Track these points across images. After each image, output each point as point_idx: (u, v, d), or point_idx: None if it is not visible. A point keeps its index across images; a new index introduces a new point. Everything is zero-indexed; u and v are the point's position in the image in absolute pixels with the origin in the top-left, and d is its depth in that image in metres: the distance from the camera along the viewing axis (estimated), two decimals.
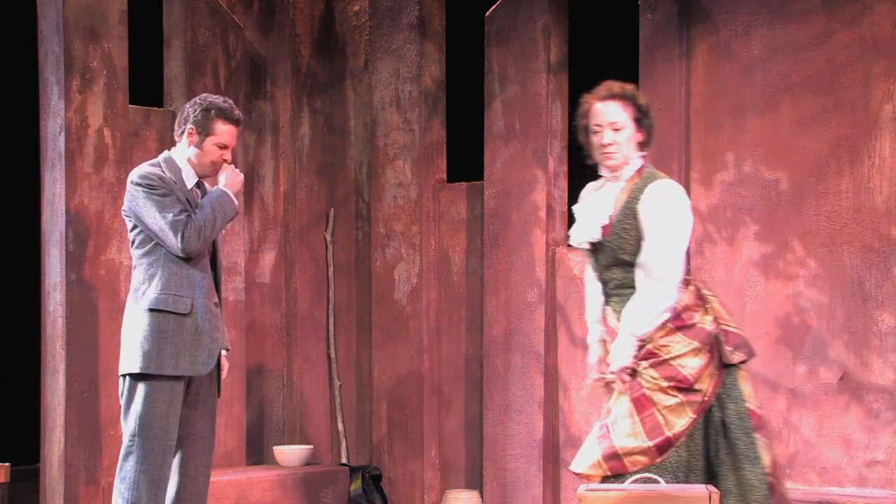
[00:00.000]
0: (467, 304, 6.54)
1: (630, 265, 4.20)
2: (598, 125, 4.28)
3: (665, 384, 4.07)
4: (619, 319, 4.21)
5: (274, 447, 6.56)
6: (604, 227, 4.24)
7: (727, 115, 5.69)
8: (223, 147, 4.84)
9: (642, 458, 4.05)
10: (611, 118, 4.26)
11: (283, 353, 6.78)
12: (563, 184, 6.26)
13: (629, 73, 6.01)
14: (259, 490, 6.15)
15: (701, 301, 4.22)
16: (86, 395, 5.69)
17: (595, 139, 4.29)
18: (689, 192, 5.79)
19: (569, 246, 6.20)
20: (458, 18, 6.74)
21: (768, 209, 5.59)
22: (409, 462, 6.59)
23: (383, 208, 6.72)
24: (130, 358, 4.71)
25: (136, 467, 4.69)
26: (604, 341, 4.34)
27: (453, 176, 6.72)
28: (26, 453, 6.01)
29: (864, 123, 5.35)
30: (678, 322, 4.13)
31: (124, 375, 4.75)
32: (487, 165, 6.38)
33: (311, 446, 6.59)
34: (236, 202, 4.86)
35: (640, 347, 4.12)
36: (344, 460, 6.79)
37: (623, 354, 4.14)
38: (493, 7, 6.37)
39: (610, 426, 4.11)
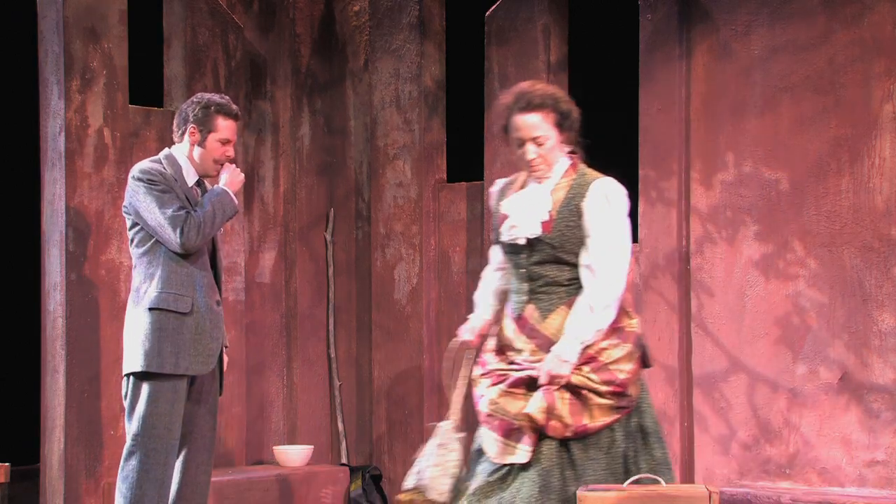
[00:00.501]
0: (467, 304, 6.53)
1: (566, 263, 4.11)
2: (519, 139, 4.14)
3: (603, 388, 4.03)
4: (544, 318, 4.12)
5: (274, 447, 6.56)
6: (544, 223, 4.11)
7: (727, 115, 5.69)
8: (226, 142, 4.85)
9: (559, 427, 4.01)
10: (533, 133, 4.12)
11: (283, 352, 6.78)
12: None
13: (629, 73, 6.01)
14: (259, 490, 6.15)
15: (623, 304, 4.15)
16: (86, 395, 5.70)
17: (519, 152, 4.16)
18: (689, 191, 5.79)
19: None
20: (458, 18, 6.74)
21: (768, 209, 5.59)
22: (409, 462, 6.56)
23: (383, 208, 6.72)
24: (132, 357, 4.72)
25: (138, 467, 4.69)
26: (499, 331, 4.26)
27: (453, 176, 6.72)
28: (26, 453, 6.00)
29: (864, 123, 5.35)
30: (612, 324, 4.09)
31: (127, 375, 4.76)
32: (487, 165, 6.38)
33: (311, 446, 6.59)
34: (236, 201, 4.87)
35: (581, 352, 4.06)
36: (344, 460, 6.79)
37: (566, 359, 4.03)
38: (493, 7, 6.37)
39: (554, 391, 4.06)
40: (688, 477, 5.70)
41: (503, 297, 4.37)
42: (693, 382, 5.71)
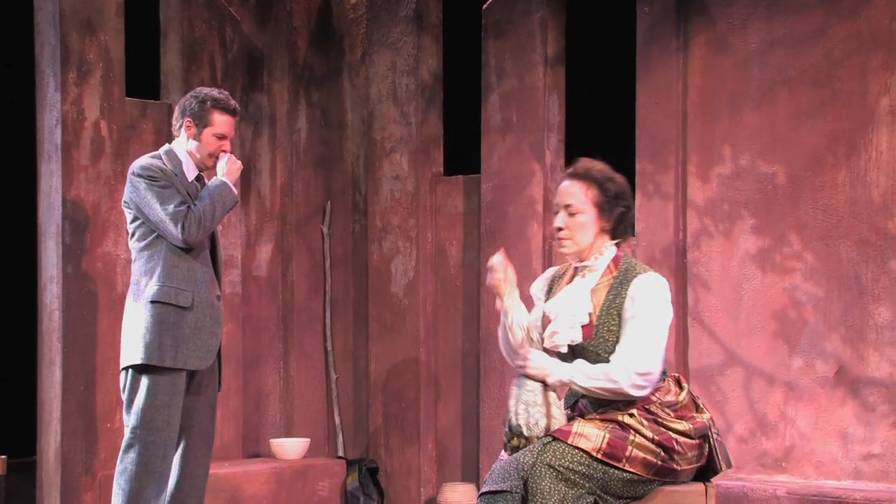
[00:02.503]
0: (464, 297, 6.54)
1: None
2: (556, 205, 3.97)
3: (649, 433, 3.83)
4: (595, 411, 3.91)
5: (271, 440, 6.57)
6: (584, 329, 3.90)
7: (724, 108, 5.69)
8: (221, 137, 4.87)
9: (587, 444, 3.78)
10: (567, 200, 3.93)
11: (279, 346, 6.78)
12: (560, 177, 6.25)
13: (626, 66, 6.01)
14: (256, 483, 6.15)
15: (694, 405, 4.00)
16: (82, 388, 5.69)
17: (554, 221, 3.99)
18: (685, 185, 5.79)
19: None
20: (455, 11, 6.74)
21: (765, 203, 5.59)
22: (406, 455, 6.59)
23: (380, 201, 6.72)
24: (132, 350, 4.72)
25: (137, 460, 4.70)
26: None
27: (450, 169, 6.72)
28: (23, 446, 6.01)
29: (861, 117, 5.35)
30: (678, 414, 3.93)
31: (126, 368, 4.76)
32: (484, 159, 6.38)
33: (308, 439, 6.59)
34: (235, 191, 4.87)
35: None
36: (340, 453, 6.80)
37: (547, 370, 3.87)
38: (490, 0, 6.36)
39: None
40: None
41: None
42: (689, 376, 5.72)
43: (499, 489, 3.72)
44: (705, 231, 5.74)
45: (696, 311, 5.72)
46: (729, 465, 4.05)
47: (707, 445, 3.97)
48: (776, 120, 5.56)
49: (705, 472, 4.02)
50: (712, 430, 4.00)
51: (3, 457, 5.40)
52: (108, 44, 5.81)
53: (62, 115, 5.66)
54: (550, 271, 4.19)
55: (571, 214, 3.94)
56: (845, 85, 5.39)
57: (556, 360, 3.95)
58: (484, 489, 3.76)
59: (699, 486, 3.93)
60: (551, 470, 3.74)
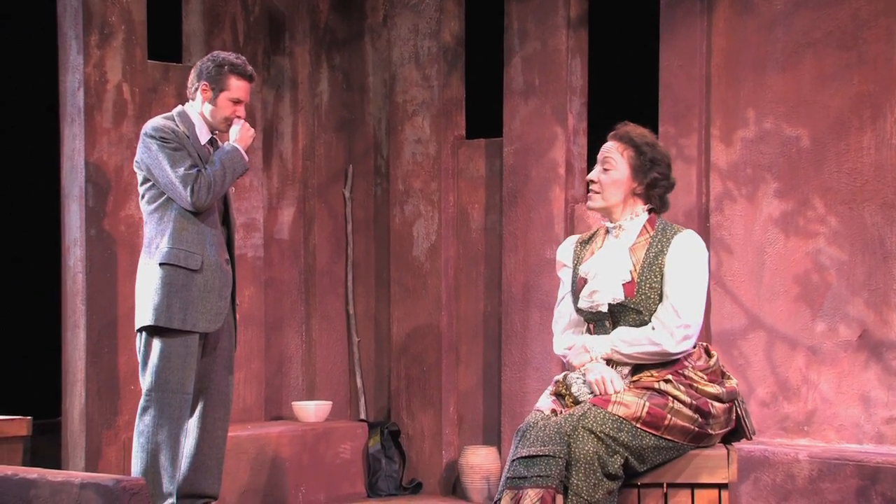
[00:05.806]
0: (486, 260, 6.54)
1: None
2: (597, 161, 4.09)
3: (687, 399, 3.86)
4: (633, 376, 3.95)
5: (293, 403, 6.60)
6: (626, 286, 3.94)
7: (748, 70, 5.65)
8: (237, 102, 4.89)
9: (626, 412, 3.80)
10: (603, 153, 4.05)
11: (301, 309, 6.80)
12: (583, 140, 6.23)
13: (650, 28, 5.97)
14: (278, 445, 6.19)
15: (721, 372, 4.03)
16: (105, 350, 5.73)
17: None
18: (709, 148, 5.76)
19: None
20: None
21: (789, 166, 5.56)
22: (427, 418, 6.61)
23: (402, 165, 6.71)
24: (143, 312, 4.79)
25: (153, 422, 4.75)
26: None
27: (472, 132, 6.70)
28: (48, 407, 6.05)
29: (886, 79, 5.31)
30: (709, 378, 3.95)
31: (140, 330, 4.82)
32: (506, 122, 6.36)
33: (330, 402, 6.62)
34: (246, 158, 4.89)
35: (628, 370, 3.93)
36: (362, 416, 6.82)
37: (591, 352, 3.93)
38: None
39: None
40: None
41: None
42: (712, 340, 5.71)
43: (539, 453, 3.74)
44: (728, 195, 5.71)
45: (718, 275, 5.70)
46: (753, 434, 4.09)
47: (734, 410, 4.01)
48: (801, 83, 5.52)
49: (730, 437, 4.05)
50: (739, 396, 4.04)
51: (29, 418, 5.45)
52: (130, 6, 5.80)
53: (84, 78, 5.67)
54: (573, 238, 4.22)
55: (605, 170, 4.05)
56: (871, 47, 5.34)
57: (589, 338, 3.99)
58: (522, 453, 3.77)
59: (721, 450, 3.94)
60: (592, 435, 3.77)
